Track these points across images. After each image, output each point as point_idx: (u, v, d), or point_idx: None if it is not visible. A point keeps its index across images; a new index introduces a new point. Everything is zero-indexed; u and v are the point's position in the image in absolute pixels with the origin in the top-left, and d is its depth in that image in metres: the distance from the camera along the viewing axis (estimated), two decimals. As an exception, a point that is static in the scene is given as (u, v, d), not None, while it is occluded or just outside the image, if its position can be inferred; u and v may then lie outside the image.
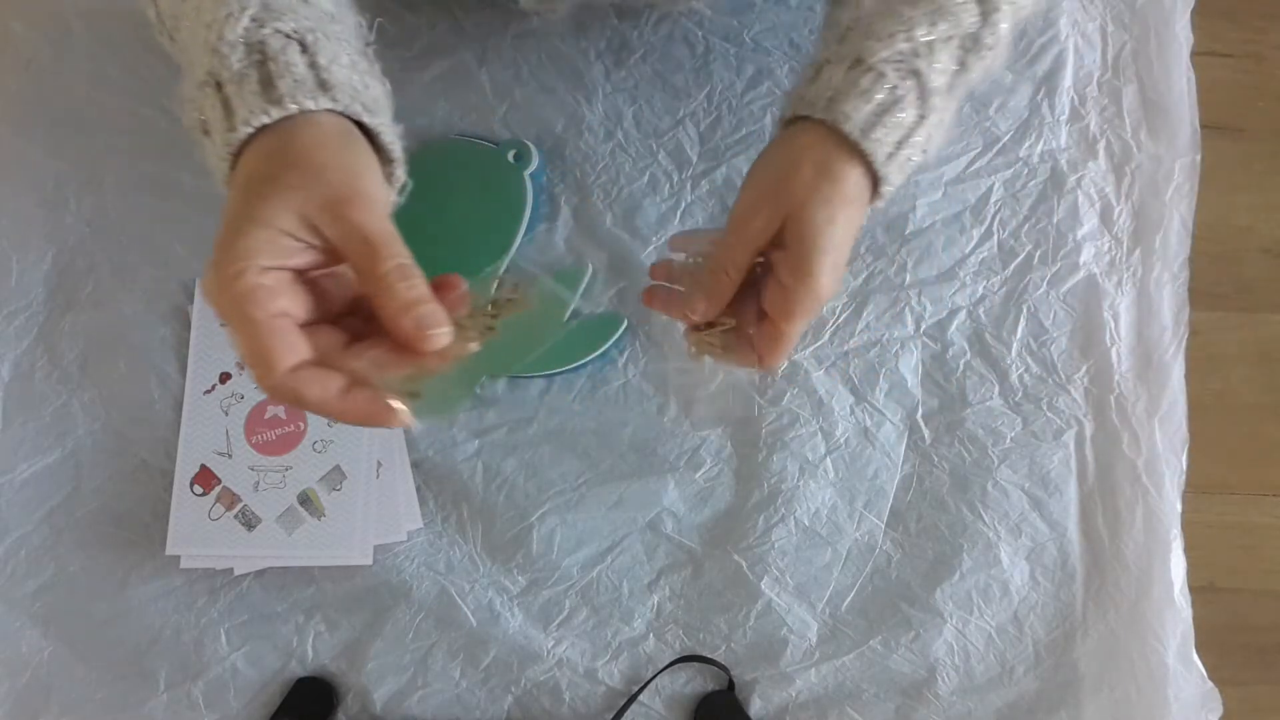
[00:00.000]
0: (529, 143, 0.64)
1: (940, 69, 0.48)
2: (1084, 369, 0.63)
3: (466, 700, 0.60)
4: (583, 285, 0.63)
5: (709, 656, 0.60)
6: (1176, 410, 0.63)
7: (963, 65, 0.48)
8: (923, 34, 0.47)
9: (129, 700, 0.60)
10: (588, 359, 0.62)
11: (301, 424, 0.63)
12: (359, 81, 0.46)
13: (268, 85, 0.43)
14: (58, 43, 0.68)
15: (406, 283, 0.42)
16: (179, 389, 0.63)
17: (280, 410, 0.63)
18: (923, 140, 0.49)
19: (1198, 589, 0.61)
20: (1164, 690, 0.59)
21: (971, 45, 0.48)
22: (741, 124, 0.66)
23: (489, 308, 0.47)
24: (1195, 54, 0.68)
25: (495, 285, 0.48)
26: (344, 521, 0.61)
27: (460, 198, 0.64)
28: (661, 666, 0.60)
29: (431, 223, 0.64)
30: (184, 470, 0.62)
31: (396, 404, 0.42)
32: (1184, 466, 0.63)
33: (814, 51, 0.50)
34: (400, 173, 0.49)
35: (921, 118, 0.48)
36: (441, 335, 0.42)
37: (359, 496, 0.61)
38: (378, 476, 0.62)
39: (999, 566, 0.61)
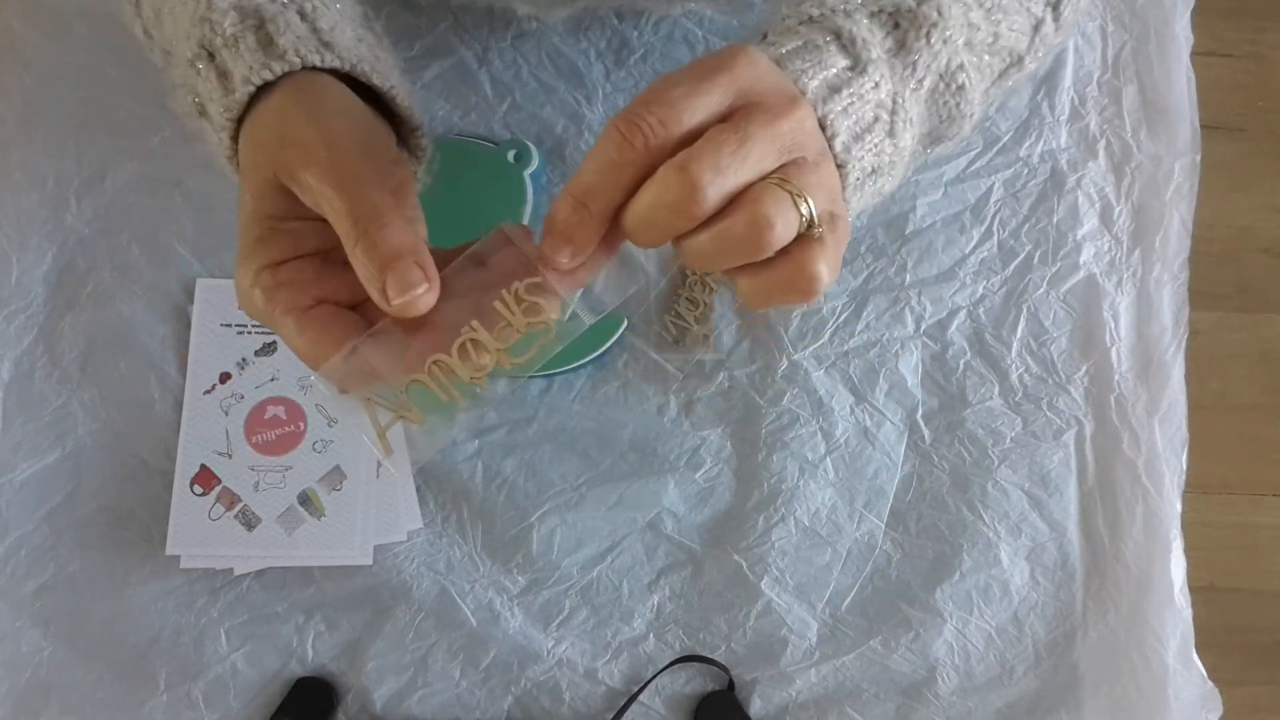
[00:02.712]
0: (529, 143, 0.64)
1: (866, 27, 0.41)
2: (1084, 369, 0.63)
3: (466, 700, 0.60)
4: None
5: (709, 656, 0.60)
6: (1176, 410, 0.63)
7: (902, 45, 0.41)
8: (834, 0, 0.41)
9: (129, 700, 0.60)
10: (588, 359, 0.62)
11: (301, 424, 0.63)
12: (366, 51, 0.43)
13: (267, 44, 0.40)
14: (58, 43, 0.68)
15: (375, 235, 0.36)
16: (179, 389, 0.63)
17: (280, 410, 0.63)
18: (874, 94, 0.40)
19: (1198, 589, 0.61)
20: (1164, 690, 0.59)
21: (909, 21, 0.42)
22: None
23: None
24: (1195, 54, 0.68)
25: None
26: (344, 521, 0.61)
27: (460, 198, 0.64)
28: (661, 666, 0.60)
29: (431, 223, 0.64)
30: (184, 470, 0.62)
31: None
32: (1184, 466, 0.63)
33: None
34: (425, 143, 0.46)
35: (854, 70, 0.40)
36: (418, 299, 0.36)
37: (359, 496, 0.61)
38: (378, 476, 0.62)
39: (999, 566, 0.61)
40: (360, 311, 0.39)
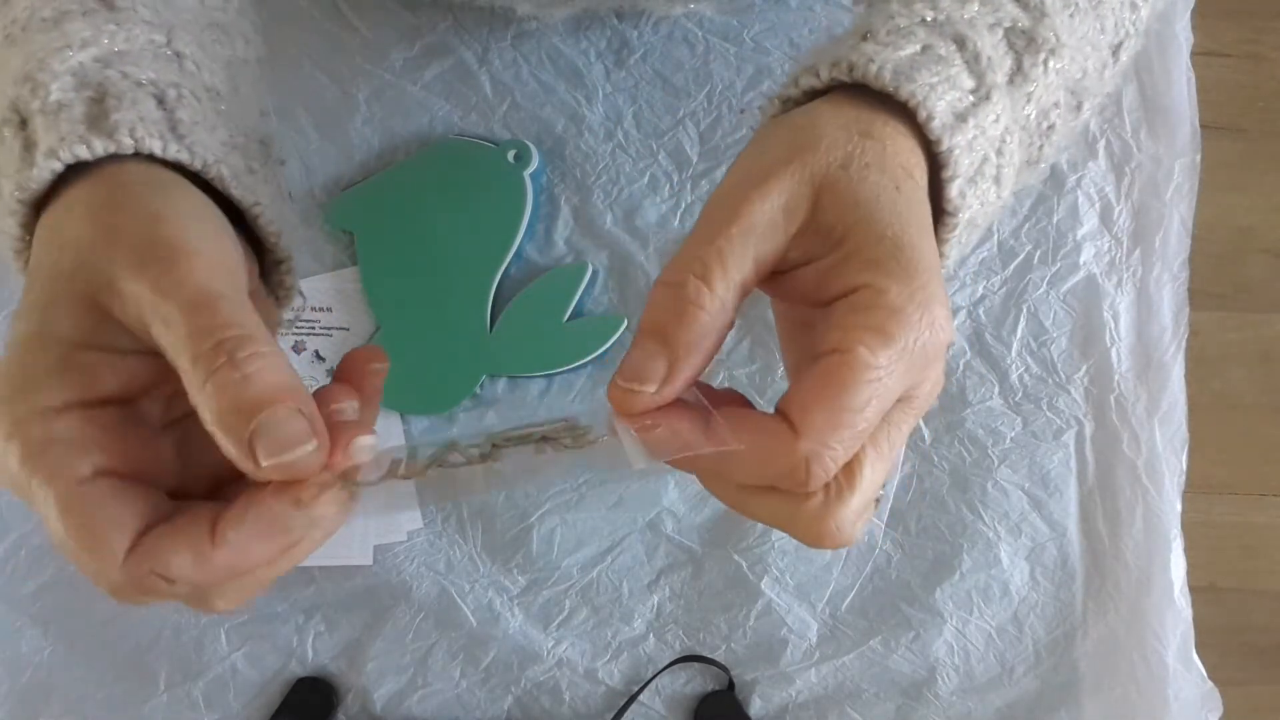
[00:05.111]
0: (529, 143, 0.64)
1: (990, 43, 0.34)
2: (1084, 369, 0.63)
3: (466, 700, 0.60)
4: (583, 285, 0.63)
5: (709, 656, 0.60)
6: (1176, 410, 0.63)
7: (1018, 69, 0.35)
8: (949, 4, 0.35)
9: (129, 700, 0.60)
10: (588, 359, 0.62)
11: (301, 424, 0.62)
12: (236, 159, 0.34)
13: (97, 118, 0.31)
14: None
15: (239, 368, 0.26)
16: None
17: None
18: (993, 129, 0.34)
19: (1198, 589, 0.61)
20: (1164, 690, 0.59)
21: (1024, 45, 0.35)
22: (742, 124, 0.66)
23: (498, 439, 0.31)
24: (1195, 54, 0.68)
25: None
26: (344, 521, 0.61)
27: (460, 198, 0.64)
28: (661, 666, 0.60)
29: (431, 223, 0.64)
30: (184, 470, 0.62)
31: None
32: (1184, 466, 0.63)
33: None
34: (291, 281, 0.36)
35: (978, 95, 0.34)
36: (302, 459, 0.26)
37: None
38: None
39: (999, 566, 0.61)
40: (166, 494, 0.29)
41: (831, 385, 0.27)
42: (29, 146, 0.31)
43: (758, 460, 0.29)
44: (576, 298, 0.63)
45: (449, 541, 0.61)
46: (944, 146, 0.32)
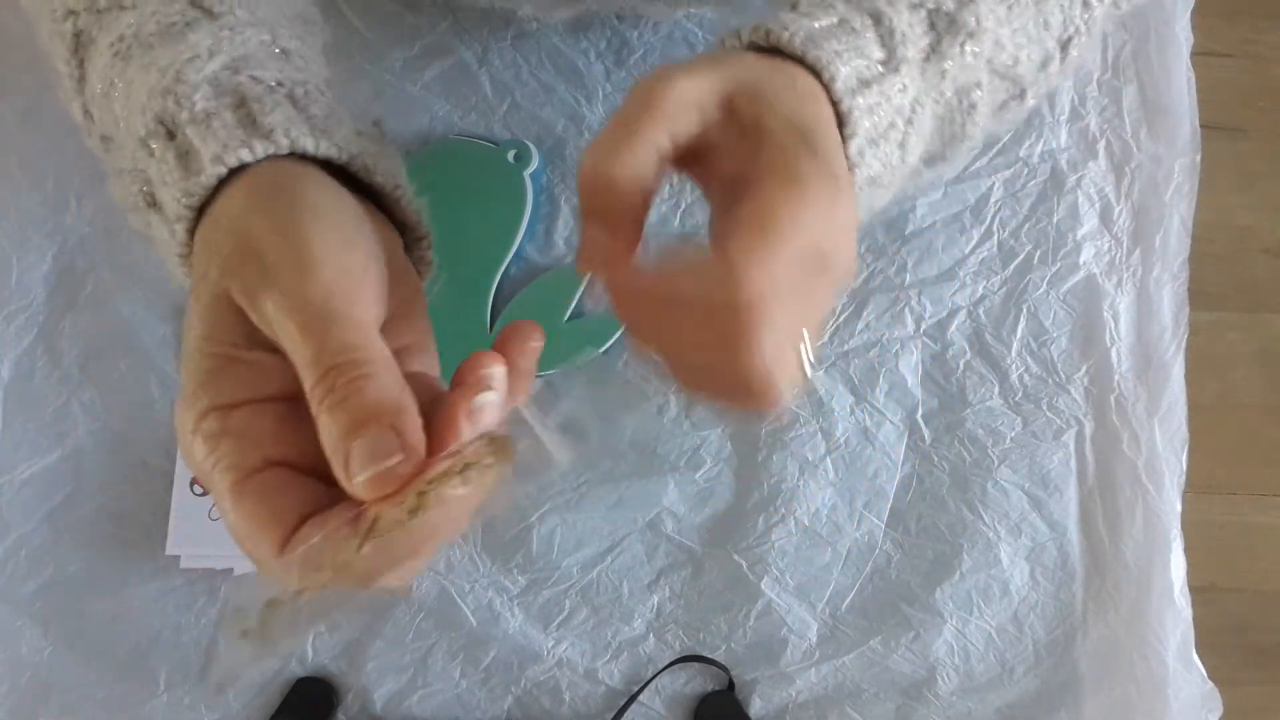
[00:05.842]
0: (529, 143, 0.64)
1: (907, 20, 0.37)
2: (1084, 369, 0.63)
3: (466, 700, 0.60)
4: (583, 285, 0.63)
5: (709, 656, 0.60)
6: (1176, 410, 0.63)
7: (935, 49, 0.38)
8: None
9: (129, 700, 0.60)
10: (587, 359, 0.62)
11: (301, 424, 0.63)
12: (369, 145, 0.36)
13: (248, 121, 0.33)
14: (58, 43, 0.68)
15: (345, 390, 0.28)
16: (179, 389, 0.63)
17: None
18: (899, 98, 0.37)
19: (1198, 589, 0.61)
20: (1164, 690, 0.59)
21: (945, 25, 0.38)
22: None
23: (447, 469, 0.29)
24: (1195, 54, 0.68)
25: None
26: (344, 521, 0.61)
27: (460, 198, 0.64)
28: (661, 666, 0.60)
29: (431, 223, 0.64)
30: (184, 470, 0.62)
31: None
32: (1184, 466, 0.63)
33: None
34: (430, 256, 0.40)
35: (886, 67, 0.37)
36: (386, 474, 0.28)
37: (359, 496, 0.61)
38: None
39: (999, 566, 0.61)
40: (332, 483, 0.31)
41: (755, 220, 0.30)
42: (186, 155, 0.33)
43: (691, 283, 0.31)
44: (576, 298, 0.63)
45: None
46: (844, 106, 0.35)
